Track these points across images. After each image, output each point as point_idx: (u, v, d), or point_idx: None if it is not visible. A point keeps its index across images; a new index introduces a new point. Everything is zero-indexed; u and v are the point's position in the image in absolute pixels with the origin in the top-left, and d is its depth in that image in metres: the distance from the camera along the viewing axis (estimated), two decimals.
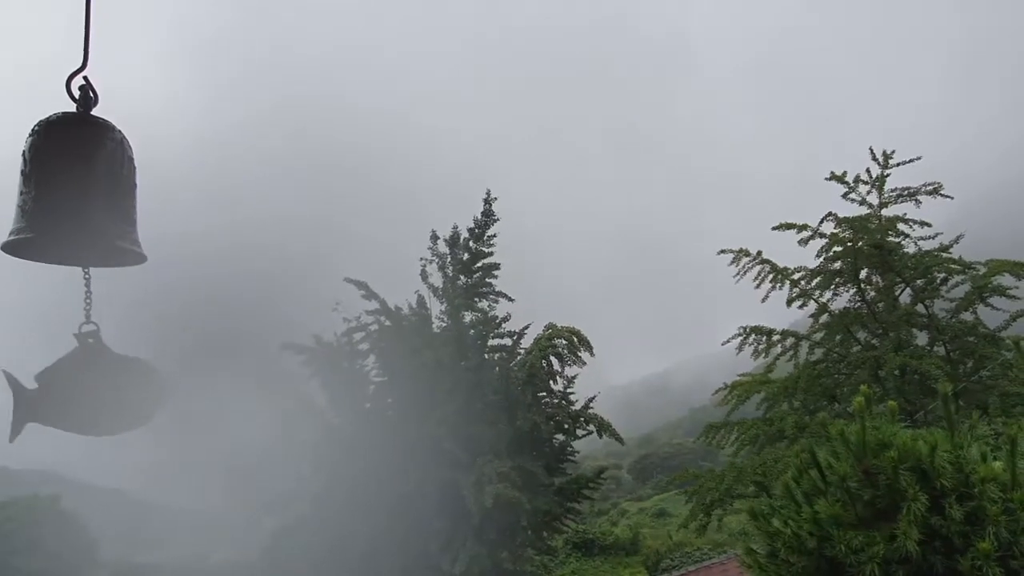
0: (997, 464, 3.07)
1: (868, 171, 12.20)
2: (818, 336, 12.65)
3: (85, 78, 1.81)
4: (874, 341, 12.23)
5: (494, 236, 14.43)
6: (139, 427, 1.83)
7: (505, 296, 14.38)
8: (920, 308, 12.00)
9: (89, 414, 1.79)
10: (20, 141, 1.80)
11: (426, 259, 14.54)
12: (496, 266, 14.40)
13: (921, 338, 12.05)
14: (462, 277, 14.36)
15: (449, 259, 14.50)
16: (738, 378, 13.16)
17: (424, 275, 14.47)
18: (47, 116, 1.79)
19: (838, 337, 12.55)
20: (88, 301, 1.78)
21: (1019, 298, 11.17)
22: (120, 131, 1.84)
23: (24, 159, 1.78)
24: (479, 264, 14.40)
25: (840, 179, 12.29)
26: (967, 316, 11.62)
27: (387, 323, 14.05)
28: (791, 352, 12.61)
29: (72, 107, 1.81)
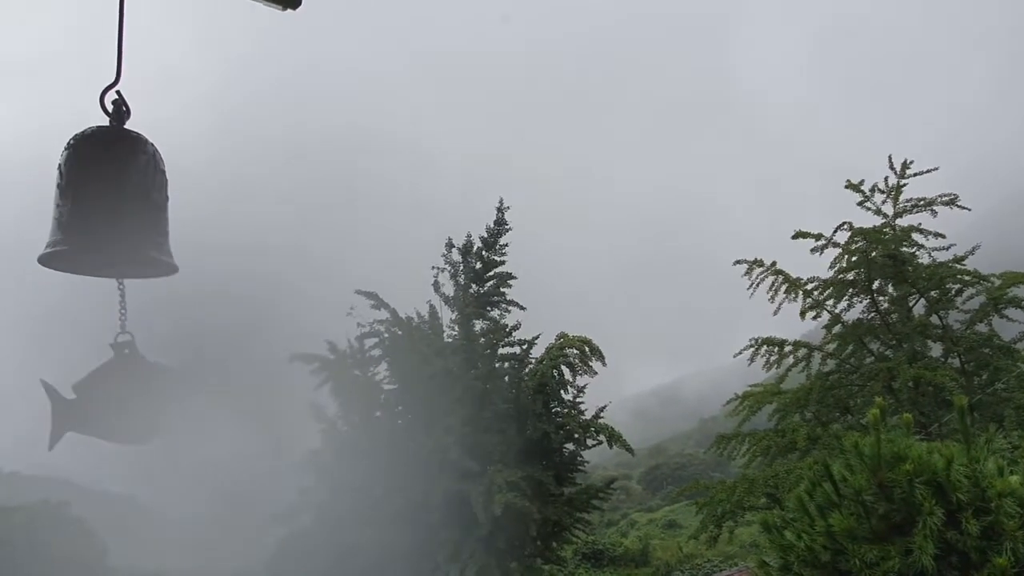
0: (1014, 478, 3.05)
1: (886, 180, 12.17)
2: (831, 347, 12.58)
3: (118, 92, 1.86)
4: (887, 352, 12.15)
5: (506, 245, 14.47)
6: (167, 434, 1.87)
7: (517, 305, 14.39)
8: (934, 319, 11.93)
9: (125, 422, 1.84)
10: (56, 155, 1.85)
11: (438, 267, 14.59)
12: (510, 275, 14.43)
13: (935, 350, 11.97)
14: (474, 286, 14.39)
15: (461, 268, 14.54)
16: (749, 389, 13.10)
17: (436, 284, 14.51)
18: (82, 130, 1.84)
19: (851, 348, 12.48)
20: (123, 312, 1.83)
21: None
22: (152, 144, 1.89)
23: (59, 172, 1.83)
24: (491, 273, 14.43)
25: (857, 188, 12.27)
26: (982, 328, 11.54)
27: (398, 332, 14.10)
28: (803, 363, 12.55)
29: (106, 121, 1.86)
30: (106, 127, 1.85)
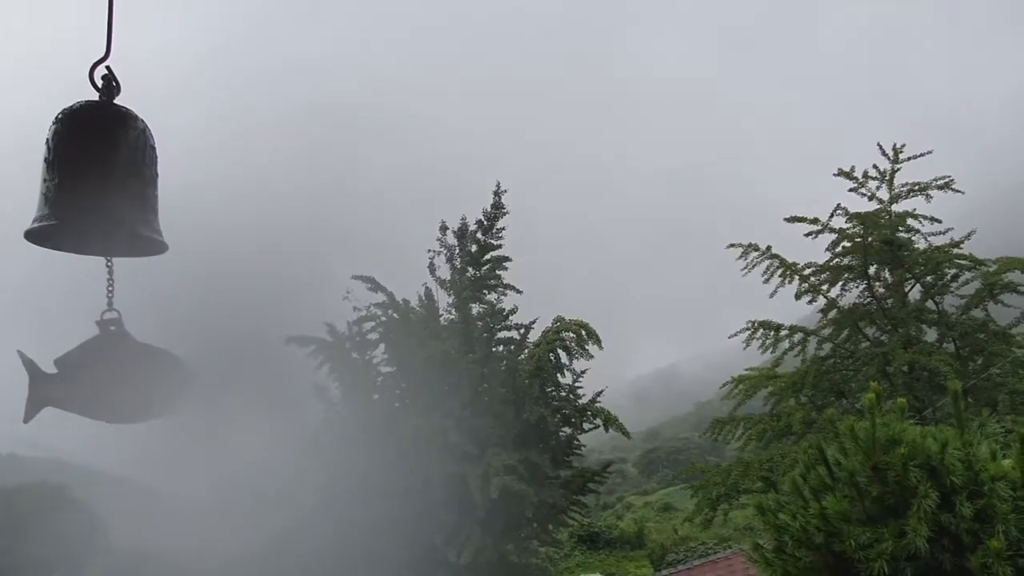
0: (1007, 462, 3.07)
1: (878, 165, 12.14)
2: (826, 332, 12.62)
3: (108, 67, 1.83)
4: (883, 337, 12.19)
5: (503, 229, 14.43)
6: (159, 418, 1.84)
7: (513, 288, 14.37)
8: (930, 304, 11.96)
9: (107, 401, 1.80)
10: (44, 129, 1.82)
11: (434, 251, 14.55)
12: (506, 259, 14.39)
13: (930, 335, 12.01)
14: (470, 269, 14.37)
15: (457, 251, 14.50)
16: (745, 373, 13.15)
17: (432, 267, 14.48)
18: (70, 104, 1.81)
19: (846, 333, 12.52)
20: (111, 289, 1.80)
21: None
22: (142, 120, 1.85)
23: (48, 147, 1.80)
24: (488, 256, 14.40)
25: (848, 175, 12.24)
26: (977, 313, 11.57)
27: (395, 315, 14.09)
28: (799, 347, 12.59)
29: (95, 96, 1.83)
30: (95, 102, 1.82)
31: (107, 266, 1.80)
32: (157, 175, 1.89)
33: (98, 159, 1.78)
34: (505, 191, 14.40)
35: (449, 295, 14.41)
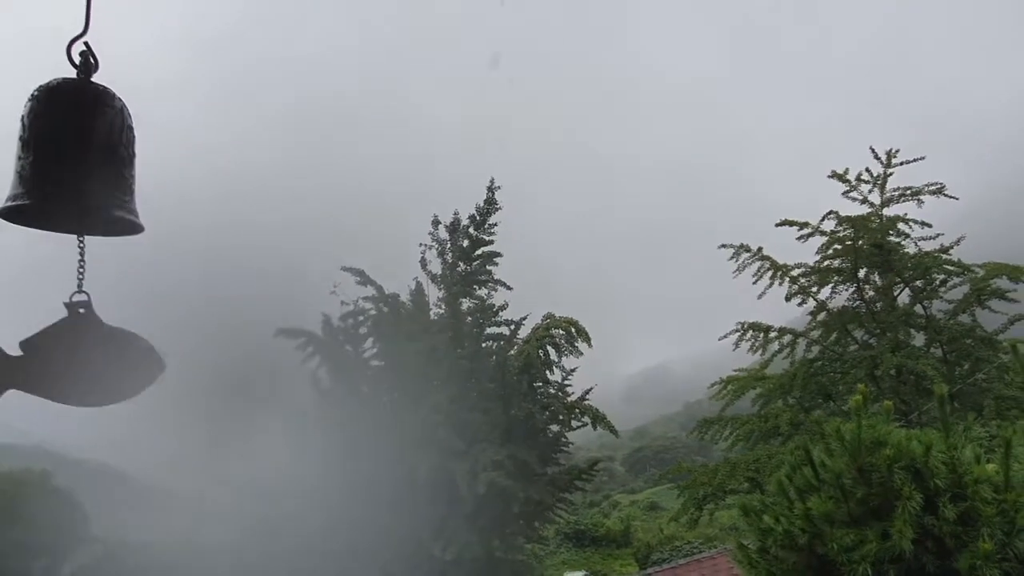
0: (990, 466, 3.06)
1: (870, 169, 12.16)
2: (815, 334, 12.66)
3: (86, 44, 1.78)
4: (871, 341, 12.24)
5: (495, 224, 14.39)
6: (124, 400, 1.79)
7: (504, 284, 14.34)
8: (918, 309, 12.01)
9: (74, 384, 1.75)
10: (19, 106, 1.77)
11: (426, 245, 14.49)
12: (497, 254, 14.36)
13: (918, 339, 12.06)
14: (461, 264, 14.32)
15: (449, 245, 14.45)
16: (734, 373, 13.17)
17: (423, 262, 14.43)
18: (47, 81, 1.76)
19: (835, 335, 12.56)
20: (81, 270, 1.75)
21: (1018, 301, 11.17)
22: (120, 99, 1.81)
23: (23, 124, 1.75)
24: (479, 252, 14.36)
25: (841, 177, 12.26)
26: (965, 318, 11.62)
27: (384, 309, 14.03)
28: (788, 349, 12.62)
29: (72, 73, 1.78)
30: (72, 79, 1.77)
31: (79, 246, 1.76)
32: (134, 155, 1.84)
33: (73, 138, 1.73)
34: (499, 187, 14.37)
35: (440, 290, 14.37)
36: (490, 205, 14.33)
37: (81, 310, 1.74)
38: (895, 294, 12.27)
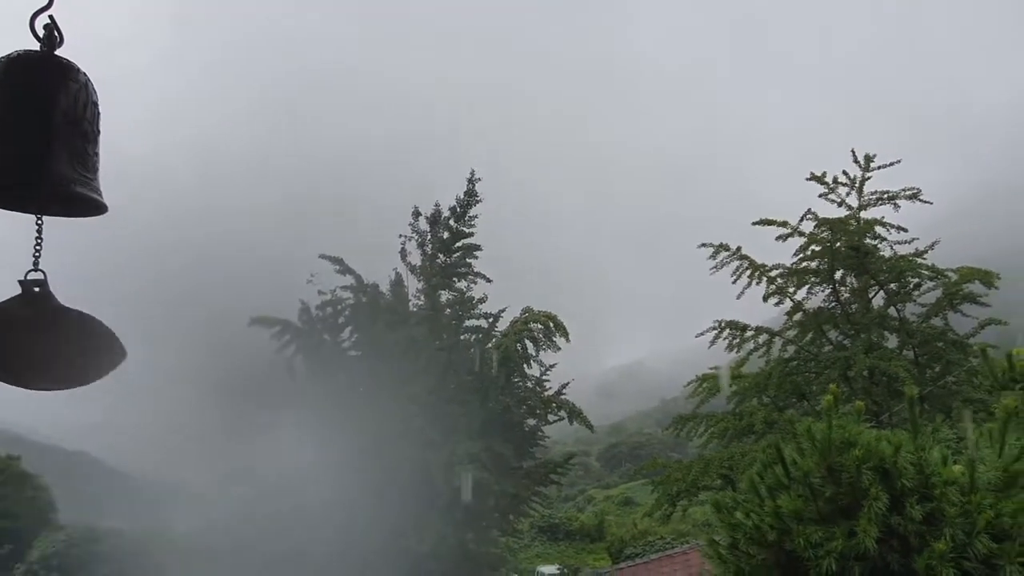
0: (957, 468, 3.10)
1: (848, 172, 12.27)
2: (791, 334, 12.77)
3: (51, 17, 1.72)
4: (845, 342, 12.37)
5: (475, 216, 14.35)
6: (79, 386, 1.72)
7: (483, 277, 14.33)
8: (892, 311, 12.16)
9: (25, 365, 1.68)
10: None
11: (405, 236, 14.43)
12: (476, 247, 14.33)
13: (891, 341, 12.22)
14: (441, 256, 14.28)
15: (429, 237, 14.39)
16: (709, 371, 13.25)
17: (403, 252, 14.36)
18: (7, 53, 1.70)
19: (810, 336, 12.68)
20: (38, 248, 1.68)
21: (989, 306, 11.36)
22: (85, 74, 1.75)
23: None
24: (459, 244, 14.32)
25: (820, 180, 12.36)
26: (937, 322, 11.79)
27: (363, 299, 13.95)
28: (764, 348, 12.73)
29: (35, 46, 1.72)
30: (35, 52, 1.71)
31: (36, 224, 1.69)
32: (99, 132, 1.78)
33: (35, 112, 1.67)
34: (479, 179, 14.33)
35: (419, 281, 14.32)
36: (470, 197, 14.29)
37: (36, 288, 1.67)
38: (870, 296, 12.42)
